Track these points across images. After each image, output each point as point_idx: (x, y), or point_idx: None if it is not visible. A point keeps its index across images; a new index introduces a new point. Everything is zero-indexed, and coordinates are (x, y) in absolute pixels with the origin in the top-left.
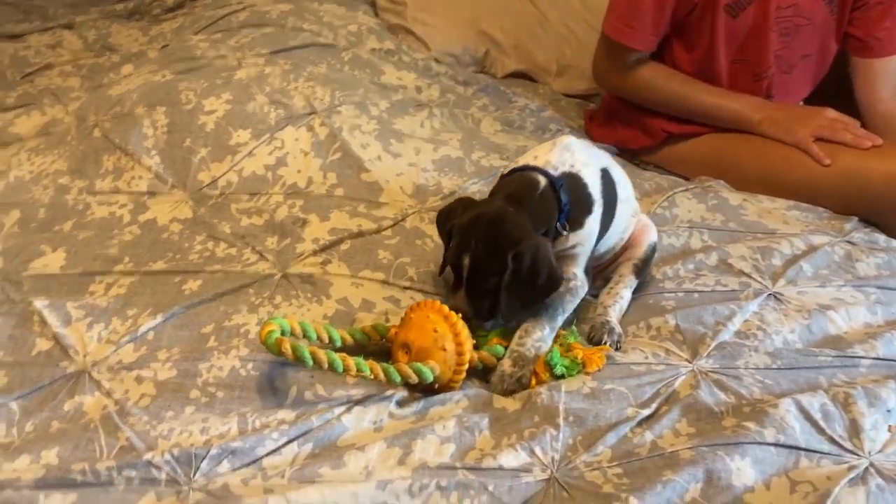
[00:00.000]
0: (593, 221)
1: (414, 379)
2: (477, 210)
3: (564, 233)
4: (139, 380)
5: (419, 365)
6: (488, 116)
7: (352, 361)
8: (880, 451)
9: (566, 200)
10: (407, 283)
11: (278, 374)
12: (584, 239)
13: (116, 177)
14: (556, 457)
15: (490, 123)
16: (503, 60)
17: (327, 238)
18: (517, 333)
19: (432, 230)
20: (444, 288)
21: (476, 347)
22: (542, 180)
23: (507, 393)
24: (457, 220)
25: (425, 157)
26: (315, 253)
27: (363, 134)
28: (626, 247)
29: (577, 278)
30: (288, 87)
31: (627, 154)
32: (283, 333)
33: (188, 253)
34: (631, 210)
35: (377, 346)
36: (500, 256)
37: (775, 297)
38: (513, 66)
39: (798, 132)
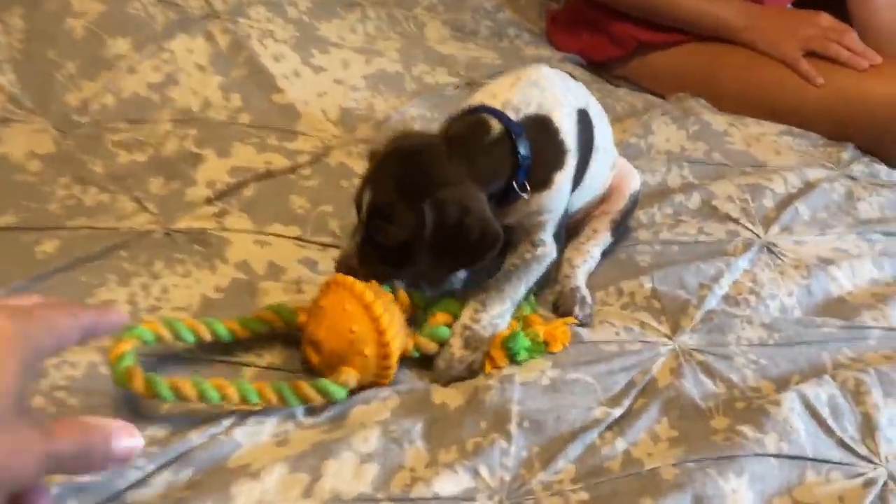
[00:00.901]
0: (565, 179)
1: (319, 401)
2: (399, 143)
3: (525, 195)
4: None
5: (326, 383)
6: (435, 19)
7: (232, 388)
8: None
9: (526, 153)
10: (328, 240)
11: (150, 370)
12: (553, 202)
13: None
14: (507, 478)
15: (437, 28)
16: None
17: (226, 180)
18: (470, 306)
19: (363, 168)
20: None
21: (414, 323)
22: (497, 126)
23: (453, 381)
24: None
25: (355, 72)
26: (209, 201)
27: (277, 43)
28: (604, 198)
29: (546, 244)
30: None
31: (595, 67)
32: (146, 343)
33: (48, 201)
34: (609, 161)
35: (284, 330)
36: (413, 202)
37: (768, 248)
38: None
39: (785, 45)
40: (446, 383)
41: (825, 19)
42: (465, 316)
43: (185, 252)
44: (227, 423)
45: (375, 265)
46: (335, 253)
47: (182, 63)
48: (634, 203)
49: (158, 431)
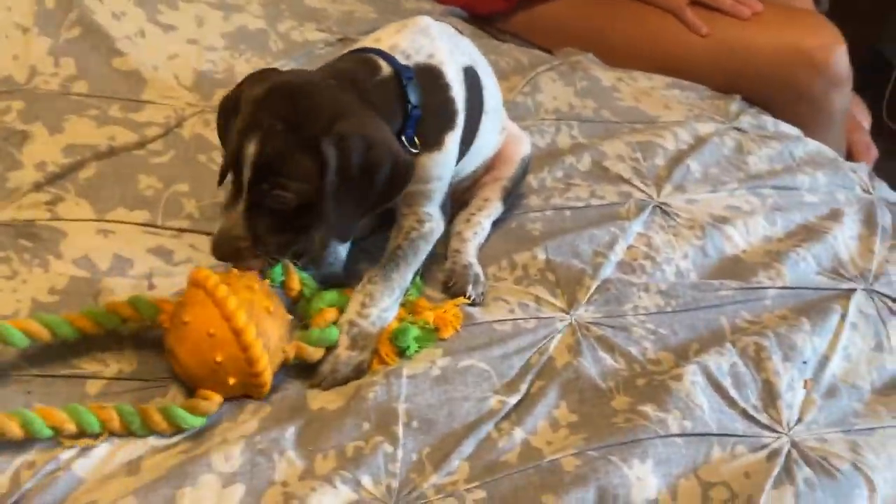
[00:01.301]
0: (453, 141)
1: (170, 431)
2: (276, 78)
3: (414, 151)
4: None
5: (181, 413)
6: None
7: (61, 415)
8: (800, 422)
9: (416, 102)
10: (184, 224)
11: None
12: (442, 167)
13: None
14: (395, 485)
15: None
16: None
17: (60, 161)
18: (356, 300)
19: None
20: None
21: (296, 315)
22: (386, 67)
23: (336, 386)
24: (245, 92)
25: (212, 31)
26: (39, 187)
27: None
28: (492, 165)
29: (432, 218)
30: None
31: (479, 21)
32: None
33: None
34: (498, 124)
35: (139, 327)
36: (309, 145)
37: (661, 209)
38: None
39: None
40: (329, 388)
41: None
42: (351, 311)
43: (10, 248)
44: (64, 456)
45: (267, 237)
46: (193, 238)
47: None
48: (525, 169)
49: None
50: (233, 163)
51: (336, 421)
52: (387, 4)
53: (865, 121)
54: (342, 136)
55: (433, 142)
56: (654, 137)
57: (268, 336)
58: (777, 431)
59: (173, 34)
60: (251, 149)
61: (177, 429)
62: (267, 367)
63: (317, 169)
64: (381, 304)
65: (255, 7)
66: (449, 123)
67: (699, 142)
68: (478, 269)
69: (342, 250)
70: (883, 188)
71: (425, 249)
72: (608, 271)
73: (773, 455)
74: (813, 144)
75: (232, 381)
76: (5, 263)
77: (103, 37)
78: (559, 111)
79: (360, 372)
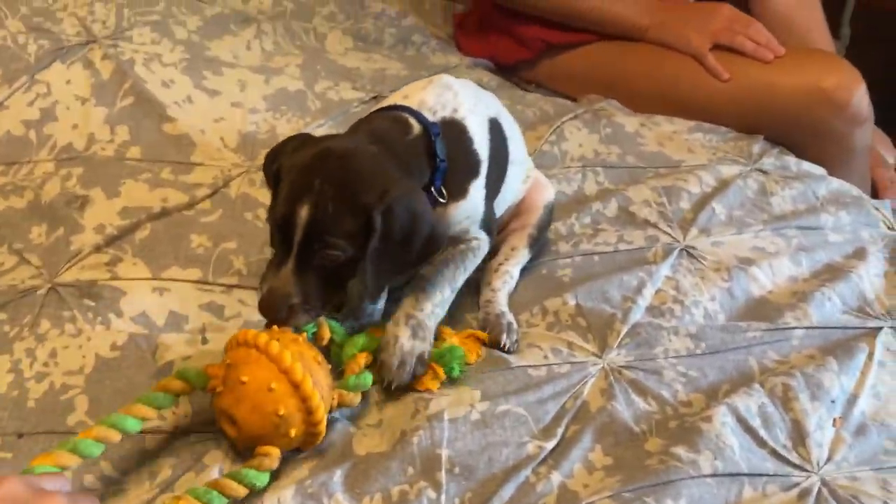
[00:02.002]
0: (477, 188)
1: (243, 495)
2: (321, 145)
3: (442, 201)
4: None
5: (250, 474)
6: (336, 29)
7: None
8: (829, 461)
9: (443, 156)
10: (233, 281)
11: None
12: (469, 211)
13: None
14: None
15: (338, 39)
16: None
17: (117, 223)
18: (411, 296)
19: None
20: None
21: (330, 361)
22: (416, 125)
23: (404, 384)
24: (287, 158)
25: (254, 94)
26: (99, 249)
27: (165, 67)
28: (518, 213)
29: (478, 237)
30: (53, 5)
31: (505, 72)
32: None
33: None
34: (523, 174)
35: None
36: (357, 211)
37: (688, 252)
38: None
39: (692, 40)
40: (400, 386)
41: (728, 10)
42: (407, 305)
43: (75, 308)
44: None
45: (315, 294)
46: (241, 294)
47: (60, 96)
48: (550, 214)
49: None
50: (281, 227)
51: (382, 464)
52: (416, 61)
53: (890, 156)
54: (390, 208)
55: (458, 191)
56: (679, 181)
57: (321, 385)
58: (807, 470)
59: (218, 99)
60: (303, 212)
61: (250, 490)
62: (324, 416)
63: (364, 232)
64: (434, 300)
65: (293, 69)
66: (472, 173)
67: (723, 184)
68: (510, 317)
69: (381, 300)
70: None
71: (473, 260)
72: (638, 315)
73: (804, 494)
74: (836, 183)
75: (293, 432)
76: (71, 322)
77: (154, 104)
78: (585, 158)
79: (423, 364)
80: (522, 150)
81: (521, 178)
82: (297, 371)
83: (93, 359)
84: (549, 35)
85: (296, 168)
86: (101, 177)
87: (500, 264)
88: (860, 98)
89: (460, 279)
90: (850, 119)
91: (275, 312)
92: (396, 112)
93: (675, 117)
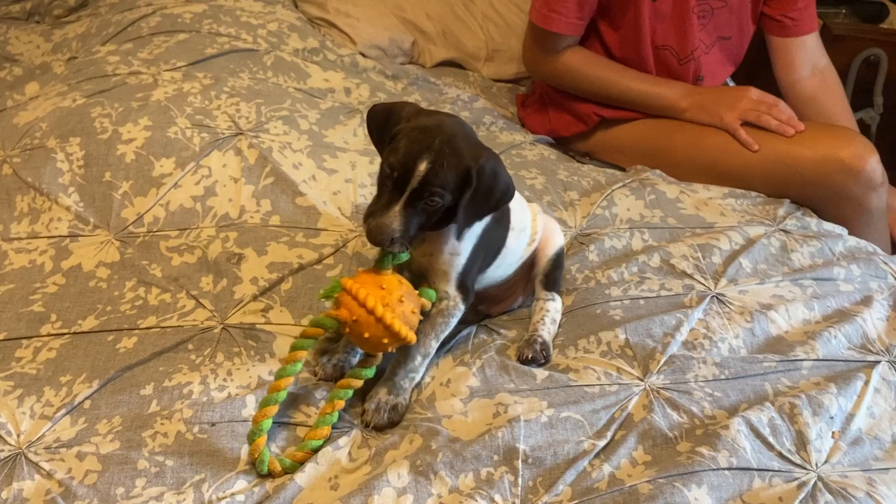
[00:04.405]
0: (469, 240)
1: (359, 385)
2: (434, 117)
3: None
4: (81, 456)
5: (360, 371)
6: None
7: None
8: (826, 462)
9: None
10: None
11: (225, 434)
12: (461, 252)
13: (33, 219)
14: (518, 502)
15: None
16: (431, 49)
17: (266, 276)
18: (390, 368)
19: (374, 251)
20: None
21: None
22: None
23: (382, 425)
24: (407, 123)
25: (361, 171)
26: (255, 298)
27: (294, 153)
28: (532, 264)
29: (450, 297)
30: (210, 105)
31: (561, 145)
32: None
33: (119, 303)
34: (527, 238)
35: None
36: (460, 169)
37: (718, 299)
38: (442, 54)
39: (725, 117)
40: (371, 424)
41: (755, 93)
42: (389, 371)
43: (241, 346)
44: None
45: (412, 231)
46: None
47: (218, 176)
48: (559, 257)
49: (242, 483)
50: (400, 174)
51: (474, 451)
52: (487, 139)
53: None
54: (482, 168)
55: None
56: (712, 240)
57: (400, 311)
58: (806, 469)
59: (335, 176)
60: (422, 165)
61: (363, 381)
62: (402, 327)
63: (461, 186)
64: (408, 366)
65: None
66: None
67: (749, 243)
68: (546, 339)
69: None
70: None
71: (445, 324)
72: (674, 348)
73: (802, 485)
74: (853, 241)
75: (386, 341)
76: (238, 357)
77: (288, 182)
78: (632, 220)
79: (399, 414)
80: (527, 220)
81: (526, 241)
82: (377, 309)
83: (256, 379)
84: (602, 111)
85: (417, 129)
86: (251, 239)
87: (536, 302)
88: (874, 165)
89: (433, 346)
90: (866, 184)
91: (381, 242)
92: None
93: (711, 185)
